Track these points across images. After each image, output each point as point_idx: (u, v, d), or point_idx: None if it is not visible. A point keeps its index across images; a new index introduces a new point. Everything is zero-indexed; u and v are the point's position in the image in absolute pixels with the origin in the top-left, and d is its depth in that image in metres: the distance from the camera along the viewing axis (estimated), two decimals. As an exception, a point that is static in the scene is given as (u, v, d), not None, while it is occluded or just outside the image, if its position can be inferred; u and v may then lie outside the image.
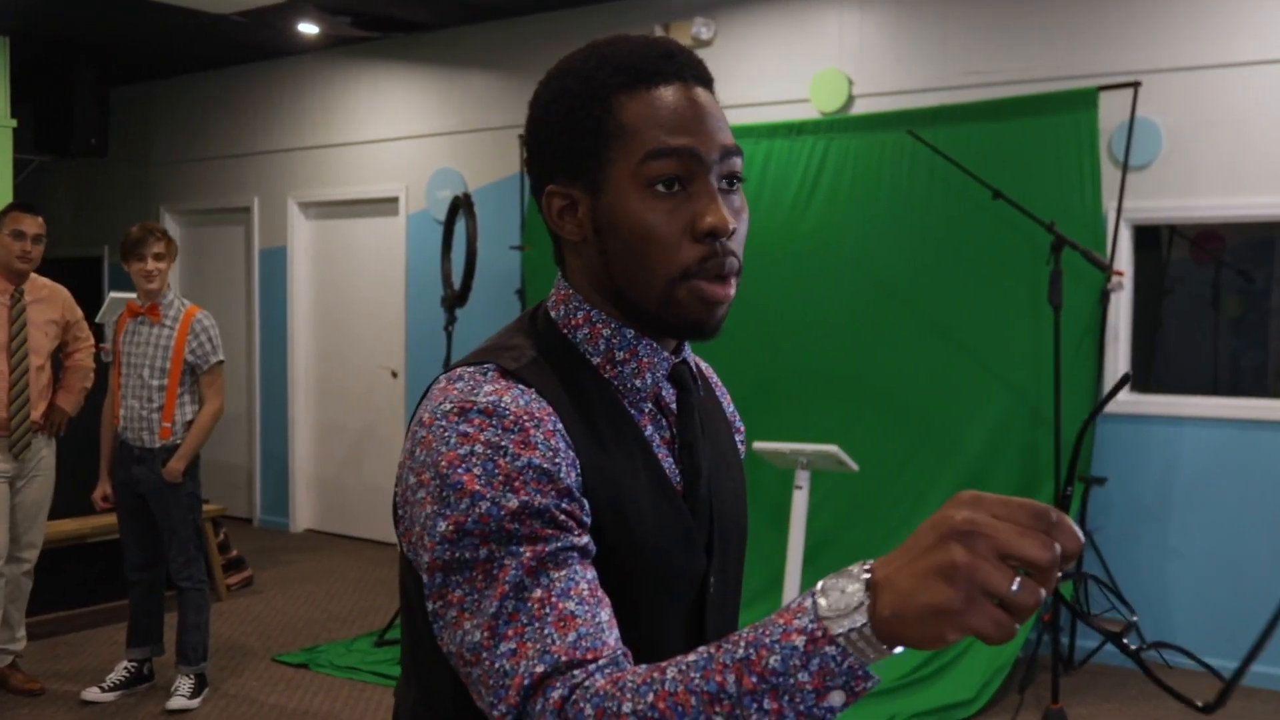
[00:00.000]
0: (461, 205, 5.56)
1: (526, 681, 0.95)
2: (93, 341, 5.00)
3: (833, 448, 4.25)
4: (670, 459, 1.18)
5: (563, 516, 1.02)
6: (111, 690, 4.71)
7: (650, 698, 0.90)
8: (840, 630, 0.84)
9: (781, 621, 0.86)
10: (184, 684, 4.65)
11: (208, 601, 4.73)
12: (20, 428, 4.62)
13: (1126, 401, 5.30)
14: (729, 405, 1.39)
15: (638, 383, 1.17)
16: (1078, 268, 4.94)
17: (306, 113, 8.11)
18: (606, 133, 1.11)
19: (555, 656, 0.95)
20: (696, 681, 0.88)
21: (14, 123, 6.96)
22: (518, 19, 6.99)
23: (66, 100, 8.08)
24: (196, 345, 4.59)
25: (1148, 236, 5.40)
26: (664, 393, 1.21)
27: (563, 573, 0.99)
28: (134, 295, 4.73)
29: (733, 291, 1.13)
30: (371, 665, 5.15)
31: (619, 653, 0.98)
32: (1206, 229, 5.33)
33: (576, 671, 0.95)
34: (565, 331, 1.17)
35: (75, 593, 5.86)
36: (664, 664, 0.92)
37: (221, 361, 4.68)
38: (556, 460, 1.03)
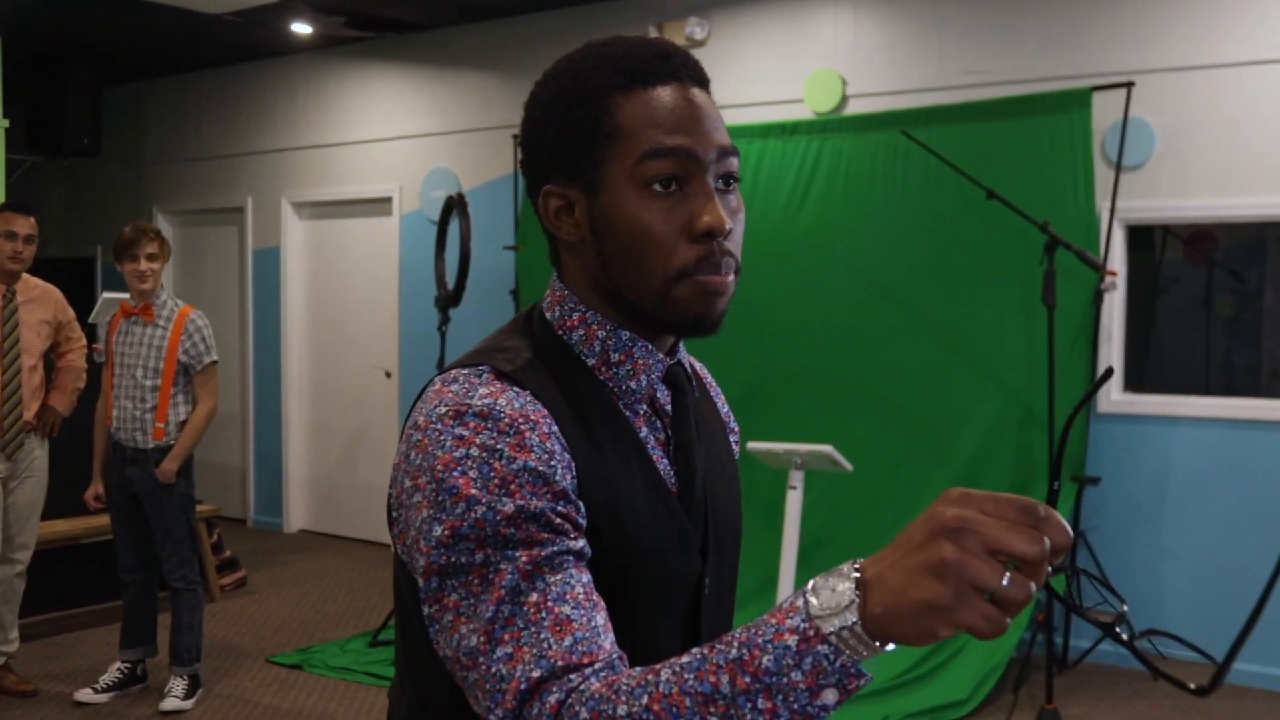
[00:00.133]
0: (455, 205, 5.56)
1: (523, 686, 0.95)
2: (85, 342, 4.99)
3: (827, 448, 4.25)
4: (665, 460, 1.18)
5: (558, 520, 1.02)
6: (105, 691, 4.70)
7: (645, 700, 0.90)
8: (832, 629, 0.84)
9: (774, 621, 0.87)
10: (177, 685, 4.64)
11: (201, 602, 4.72)
12: (13, 428, 4.61)
13: (1120, 401, 5.30)
14: (723, 406, 1.39)
15: (633, 384, 1.17)
16: (1071, 268, 4.94)
17: (300, 113, 8.10)
18: (603, 133, 1.11)
19: (551, 661, 0.95)
20: (690, 683, 0.89)
21: (6, 123, 6.94)
22: (511, 19, 6.98)
23: (59, 100, 8.06)
24: (190, 345, 4.59)
25: (1141, 236, 5.41)
26: (659, 394, 1.21)
27: (558, 577, 0.99)
28: (127, 295, 4.72)
29: (731, 282, 1.13)
30: (365, 666, 5.14)
31: (614, 656, 0.98)
32: (1200, 229, 5.34)
33: (572, 675, 0.95)
34: (560, 333, 1.17)
35: (68, 594, 5.84)
36: (658, 666, 0.93)
37: (215, 362, 4.68)
38: (552, 463, 1.03)
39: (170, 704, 4.58)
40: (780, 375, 5.80)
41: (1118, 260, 5.28)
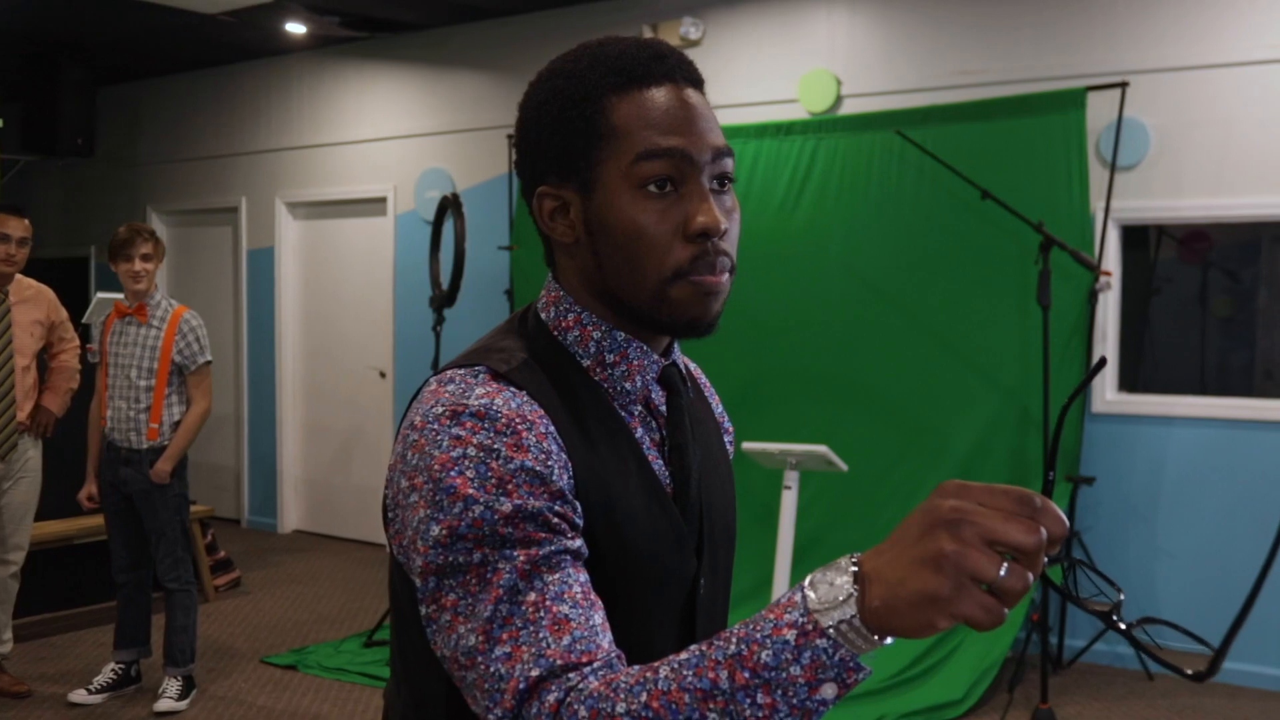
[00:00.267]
0: (450, 205, 5.55)
1: (522, 685, 0.95)
2: (78, 343, 4.99)
3: (822, 448, 4.26)
4: (660, 461, 1.18)
5: (556, 519, 1.02)
6: (99, 692, 4.69)
7: (644, 697, 0.90)
8: (830, 623, 0.84)
9: (772, 616, 0.87)
10: (171, 686, 4.63)
11: (195, 603, 4.71)
12: (6, 429, 4.61)
13: (1115, 401, 5.31)
14: (718, 406, 1.40)
15: (628, 385, 1.17)
16: (1066, 268, 4.95)
17: (294, 113, 8.10)
18: (599, 134, 1.11)
19: (550, 660, 0.95)
20: (689, 679, 0.89)
21: (1, 122, 6.93)
22: (506, 19, 6.98)
23: (53, 100, 8.04)
24: (184, 345, 4.58)
25: (1135, 236, 5.42)
26: (654, 395, 1.21)
27: (556, 576, 0.99)
28: (121, 296, 4.71)
29: (725, 282, 1.13)
30: (360, 666, 5.14)
31: (613, 655, 0.98)
32: (1194, 229, 5.35)
33: (571, 674, 0.95)
34: (556, 333, 1.17)
35: (62, 594, 5.83)
36: (656, 664, 0.93)
37: (209, 362, 4.67)
38: (549, 463, 1.03)
39: (164, 705, 4.57)
40: (775, 375, 5.80)
41: (1112, 260, 5.29)
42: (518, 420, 1.04)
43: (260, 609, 6.15)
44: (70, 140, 8.13)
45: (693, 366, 1.36)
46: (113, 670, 4.76)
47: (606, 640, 0.99)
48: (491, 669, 0.96)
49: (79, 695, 4.67)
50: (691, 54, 6.04)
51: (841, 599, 0.85)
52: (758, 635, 0.87)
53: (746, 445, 4.35)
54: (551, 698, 0.94)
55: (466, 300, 6.02)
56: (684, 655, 0.91)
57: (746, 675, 0.86)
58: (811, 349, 5.74)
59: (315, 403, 8.17)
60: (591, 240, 1.13)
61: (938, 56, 5.68)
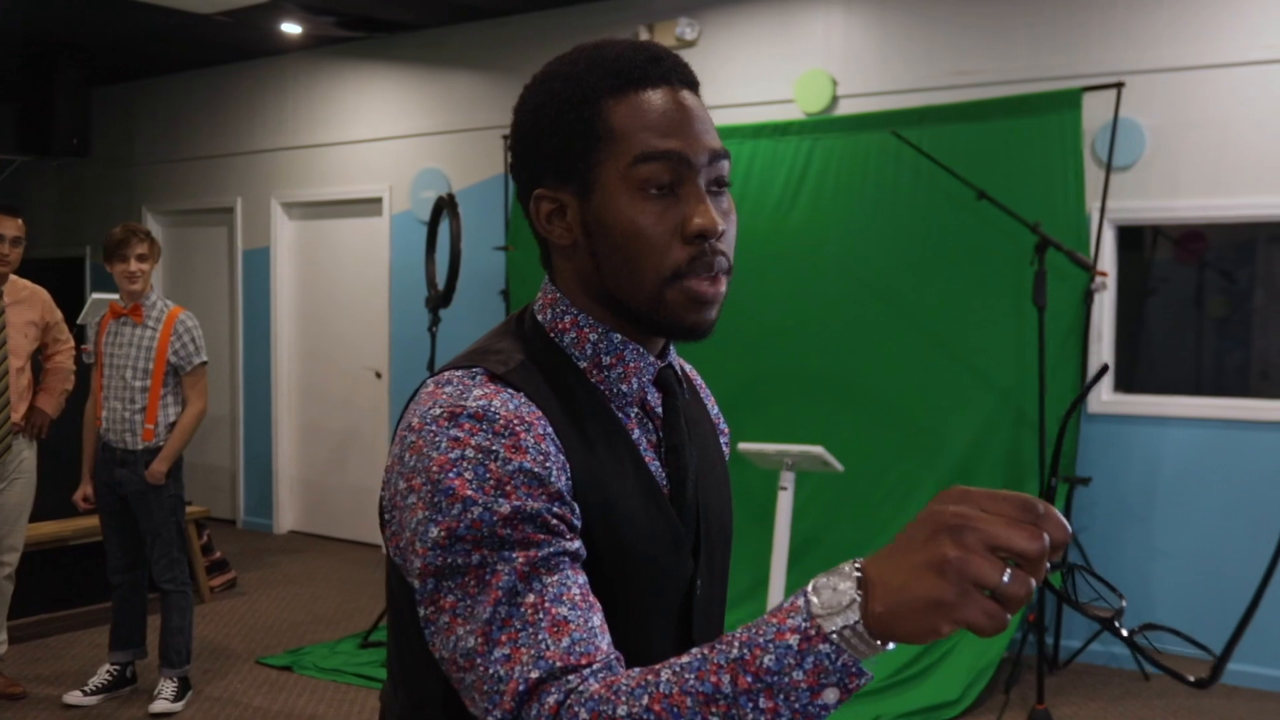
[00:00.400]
0: (445, 206, 5.55)
1: (521, 687, 0.95)
2: (73, 343, 4.98)
3: (818, 449, 4.26)
4: (657, 462, 1.19)
5: (554, 521, 1.02)
6: (94, 694, 4.68)
7: (645, 700, 0.90)
8: (834, 628, 0.84)
9: (775, 621, 0.87)
10: (167, 687, 4.62)
11: (190, 604, 4.71)
12: (1, 430, 4.60)
13: (1110, 402, 5.32)
14: (714, 407, 1.40)
15: (624, 387, 1.17)
16: (1061, 268, 4.96)
17: (290, 113, 8.09)
18: (596, 136, 1.11)
19: (550, 662, 0.95)
20: (691, 682, 0.89)
21: (-5, 122, 6.93)
22: (502, 19, 6.98)
23: (48, 100, 8.03)
24: (179, 346, 4.57)
25: (1131, 237, 5.42)
26: (649, 396, 1.21)
27: (555, 577, 0.99)
28: (116, 296, 4.71)
29: (724, 289, 1.14)
30: (356, 667, 5.13)
31: (612, 657, 0.98)
32: (1190, 229, 5.36)
33: (571, 676, 0.95)
34: (552, 335, 1.17)
35: (57, 596, 5.82)
36: (657, 666, 0.93)
37: (205, 362, 4.67)
38: (547, 464, 1.03)
39: (160, 706, 4.57)
40: (771, 376, 5.80)
41: (1108, 260, 5.29)
42: (516, 422, 1.04)
43: (256, 610, 6.15)
44: (65, 140, 8.12)
45: (688, 368, 1.37)
46: (108, 671, 4.75)
47: (606, 642, 0.99)
48: (490, 671, 0.96)
49: (74, 697, 4.66)
50: (687, 54, 6.06)
51: (845, 604, 0.85)
52: (760, 640, 0.87)
53: (743, 446, 4.35)
54: (551, 700, 0.94)
55: (462, 301, 6.02)
56: (685, 658, 0.91)
57: (749, 679, 0.86)
58: (807, 349, 5.74)
59: (311, 403, 8.17)
60: (589, 242, 1.13)
61: (933, 57, 5.68)
